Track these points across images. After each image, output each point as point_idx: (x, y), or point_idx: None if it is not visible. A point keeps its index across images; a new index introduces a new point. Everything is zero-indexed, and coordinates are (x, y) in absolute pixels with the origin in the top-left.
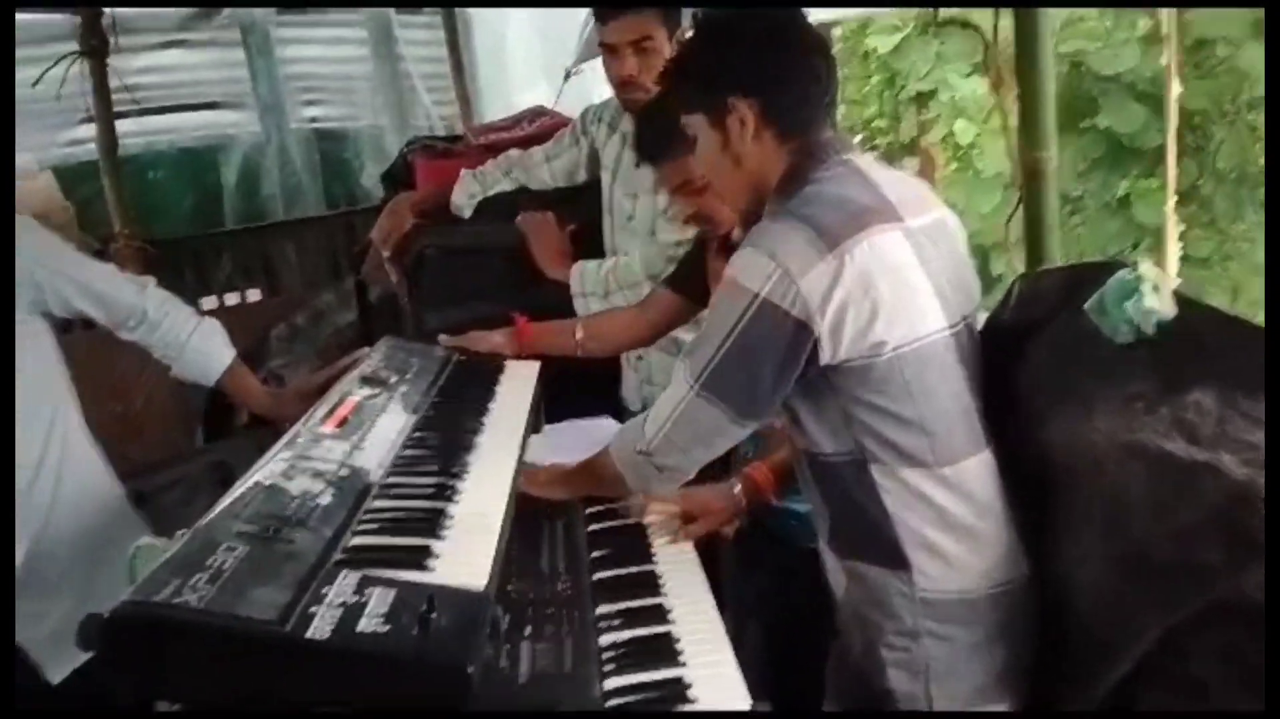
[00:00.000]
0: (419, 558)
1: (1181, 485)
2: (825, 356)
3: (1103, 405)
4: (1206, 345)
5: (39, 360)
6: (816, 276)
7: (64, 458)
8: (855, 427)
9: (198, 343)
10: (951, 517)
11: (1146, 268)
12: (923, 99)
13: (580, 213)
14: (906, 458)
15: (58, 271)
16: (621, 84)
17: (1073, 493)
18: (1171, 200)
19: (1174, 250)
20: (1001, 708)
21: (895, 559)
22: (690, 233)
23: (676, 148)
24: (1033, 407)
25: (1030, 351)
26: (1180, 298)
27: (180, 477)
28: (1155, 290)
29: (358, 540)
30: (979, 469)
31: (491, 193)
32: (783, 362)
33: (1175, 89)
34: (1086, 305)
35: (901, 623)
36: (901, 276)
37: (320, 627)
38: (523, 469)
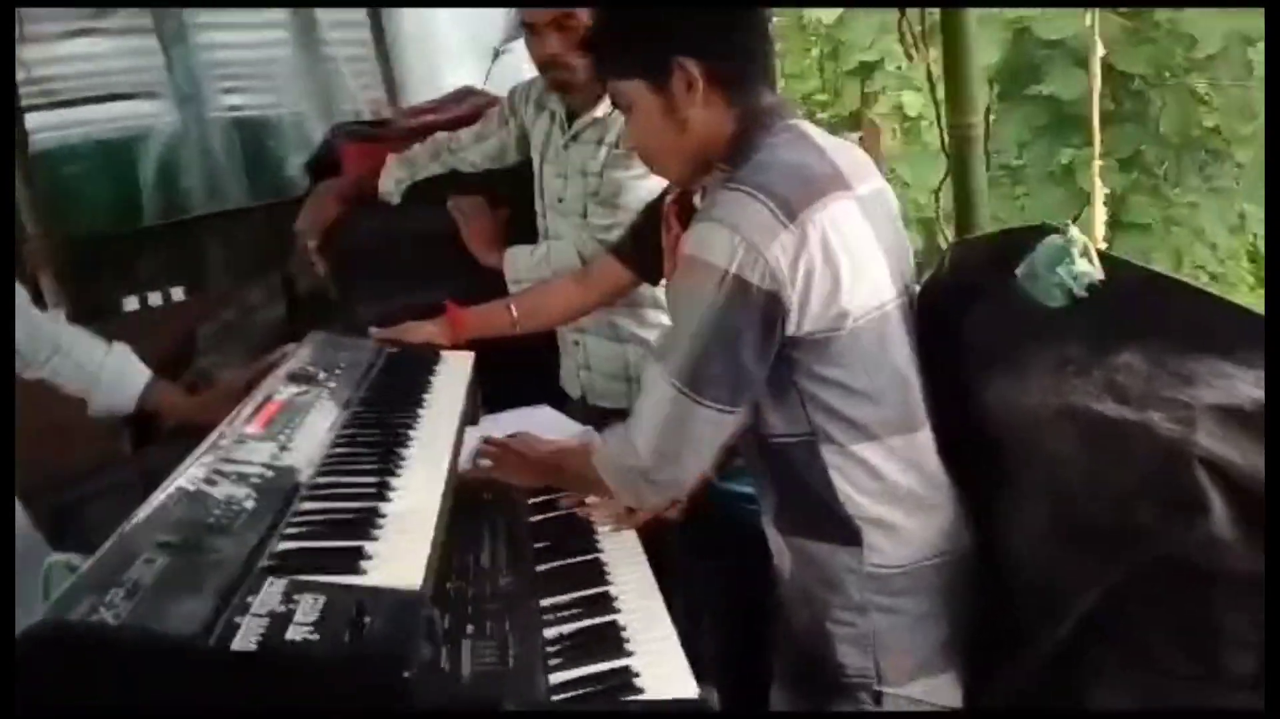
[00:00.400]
0: (350, 561)
1: (1114, 446)
2: (790, 328)
3: (1035, 370)
4: (1136, 305)
5: None
6: (780, 248)
7: None
8: (809, 404)
9: (111, 367)
10: (901, 489)
11: (1075, 232)
12: (866, 70)
13: (512, 195)
14: (859, 431)
15: None
16: (544, 64)
17: (1010, 459)
18: (1097, 164)
19: (1100, 214)
20: (945, 677)
21: (844, 535)
22: (621, 216)
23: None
24: (968, 375)
25: (963, 320)
26: (1109, 259)
27: (108, 486)
28: (1085, 253)
29: (285, 545)
30: (926, 441)
31: (420, 178)
32: (762, 338)
33: (1099, 50)
34: (1018, 271)
35: (849, 598)
36: (858, 245)
37: (246, 637)
38: (493, 443)
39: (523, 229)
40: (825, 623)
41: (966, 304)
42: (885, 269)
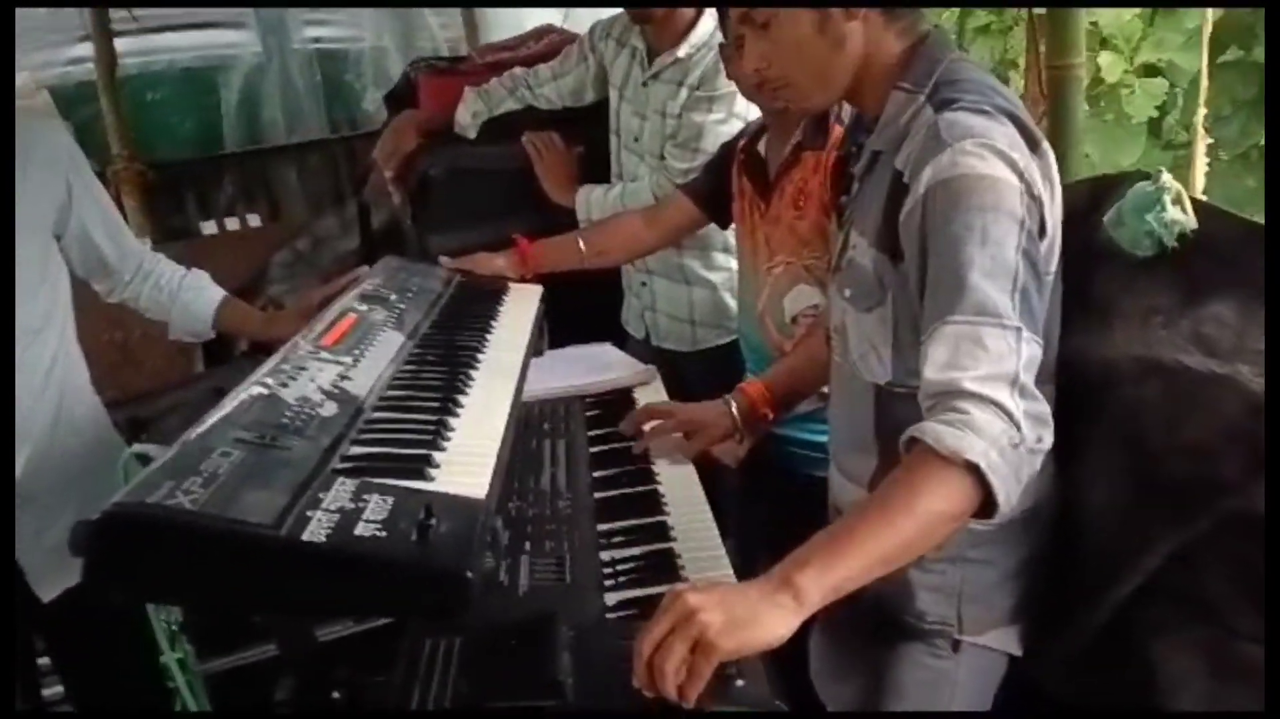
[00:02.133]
0: (418, 467)
1: (1197, 398)
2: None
3: (1121, 320)
4: (1227, 255)
5: (53, 278)
6: (1037, 171)
7: (66, 377)
8: None
9: (189, 288)
10: (1026, 443)
11: (1168, 178)
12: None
13: (588, 133)
14: None
15: (89, 190)
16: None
17: (1087, 409)
18: (1202, 113)
19: (1200, 165)
20: (1017, 628)
21: None
22: (700, 160)
23: None
24: (1046, 328)
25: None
26: (1202, 207)
27: (179, 402)
28: (1177, 200)
29: (356, 449)
30: (1052, 393)
31: (497, 112)
32: (1048, 249)
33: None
34: (1105, 218)
35: (941, 549)
36: (1057, 195)
37: (316, 530)
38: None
39: (596, 169)
40: (910, 570)
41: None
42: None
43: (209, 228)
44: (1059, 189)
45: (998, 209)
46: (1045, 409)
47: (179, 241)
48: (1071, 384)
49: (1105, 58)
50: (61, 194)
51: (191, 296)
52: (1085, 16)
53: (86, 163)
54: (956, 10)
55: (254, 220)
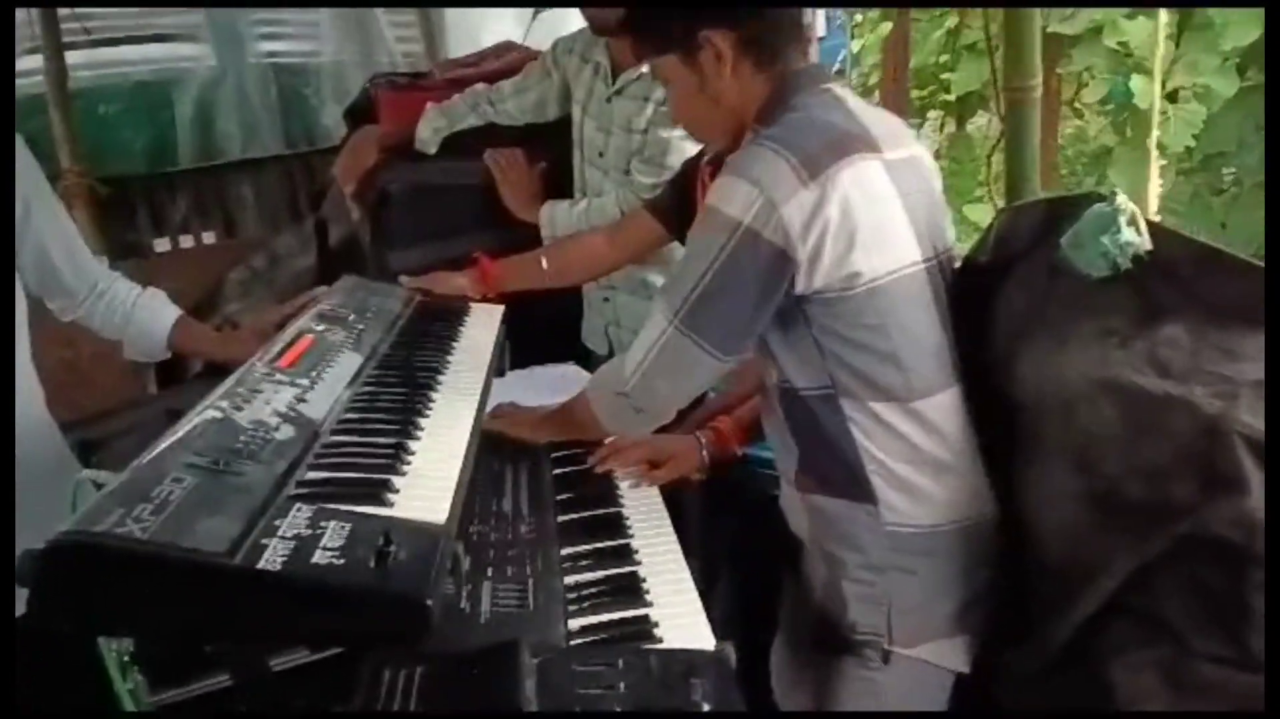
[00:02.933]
0: (377, 493)
1: (1153, 420)
2: (801, 286)
3: (1076, 341)
4: (1182, 277)
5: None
6: (798, 205)
7: (25, 399)
8: (828, 359)
9: (143, 307)
10: (921, 451)
11: (1124, 200)
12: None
13: (551, 149)
14: (878, 391)
15: (47, 206)
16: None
17: (1043, 430)
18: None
19: (1155, 188)
20: (956, 641)
21: (863, 493)
22: (666, 175)
23: None
24: (1006, 344)
25: (1005, 288)
26: (1157, 229)
27: (132, 424)
28: (1133, 222)
29: (313, 475)
30: (949, 404)
31: (459, 128)
32: (763, 292)
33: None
34: (1063, 240)
35: (867, 557)
36: (880, 207)
37: (272, 559)
38: (492, 410)
39: (559, 185)
40: (841, 581)
41: (1010, 271)
42: (910, 232)
43: (162, 245)
44: (865, 209)
45: (708, 236)
46: (659, 386)
47: (132, 259)
48: (1028, 404)
49: (1138, 82)
50: (18, 210)
51: (146, 316)
52: (1039, 36)
53: (44, 179)
54: (947, 26)
55: (209, 237)
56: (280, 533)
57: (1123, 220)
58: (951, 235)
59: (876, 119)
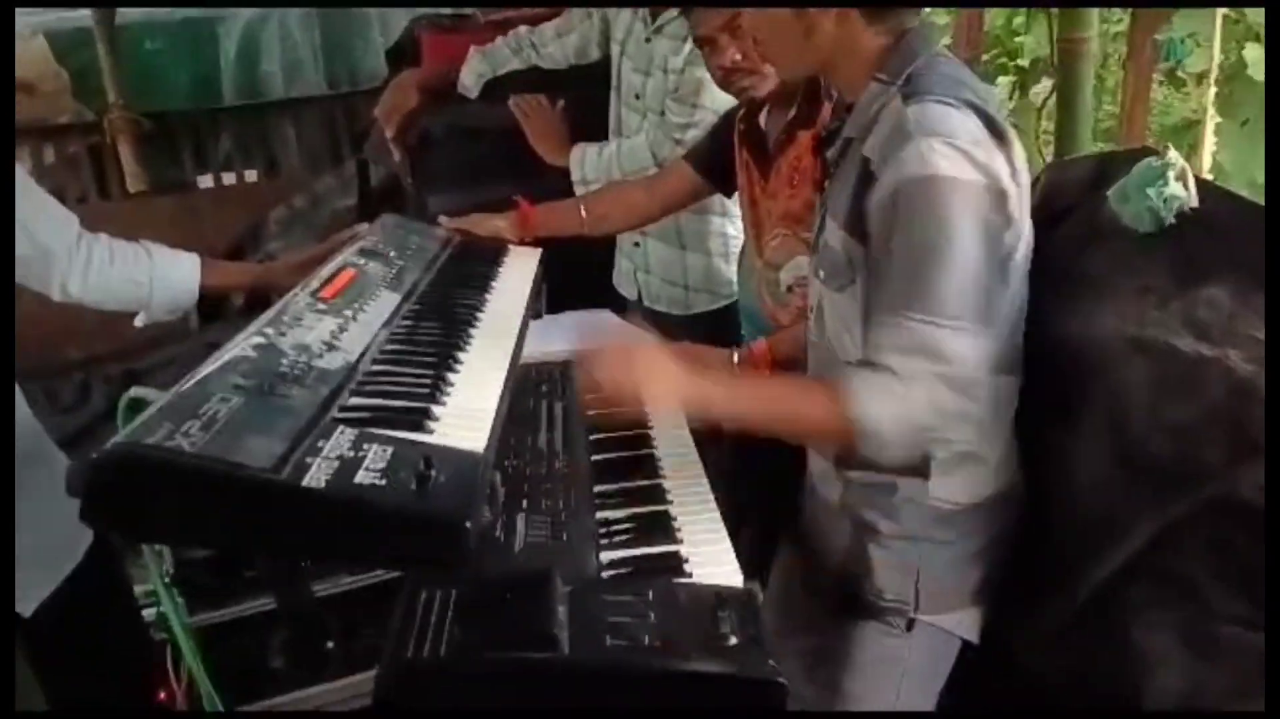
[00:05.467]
0: (418, 419)
1: (1185, 381)
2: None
3: (1115, 298)
4: (1226, 237)
5: None
6: (1000, 166)
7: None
8: None
9: (161, 265)
10: (984, 429)
11: (1174, 155)
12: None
13: (589, 92)
14: None
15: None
16: (726, 75)
17: (1077, 387)
18: (1212, 91)
19: (1209, 142)
20: (976, 611)
21: (916, 471)
22: (699, 115)
23: None
24: (1043, 302)
25: (1048, 244)
26: (1208, 187)
27: (174, 357)
28: (1181, 177)
29: (355, 400)
30: (1014, 382)
31: (501, 72)
32: (1009, 251)
33: None
34: (1110, 192)
35: (902, 527)
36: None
37: (316, 476)
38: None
39: (595, 128)
40: (869, 547)
41: (1055, 226)
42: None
43: (205, 181)
44: (1026, 175)
45: (964, 213)
46: (974, 410)
47: (175, 193)
48: (1062, 363)
49: (1252, 51)
50: None
51: (166, 266)
52: None
53: None
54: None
55: (251, 175)
56: (324, 453)
57: (1171, 174)
58: None
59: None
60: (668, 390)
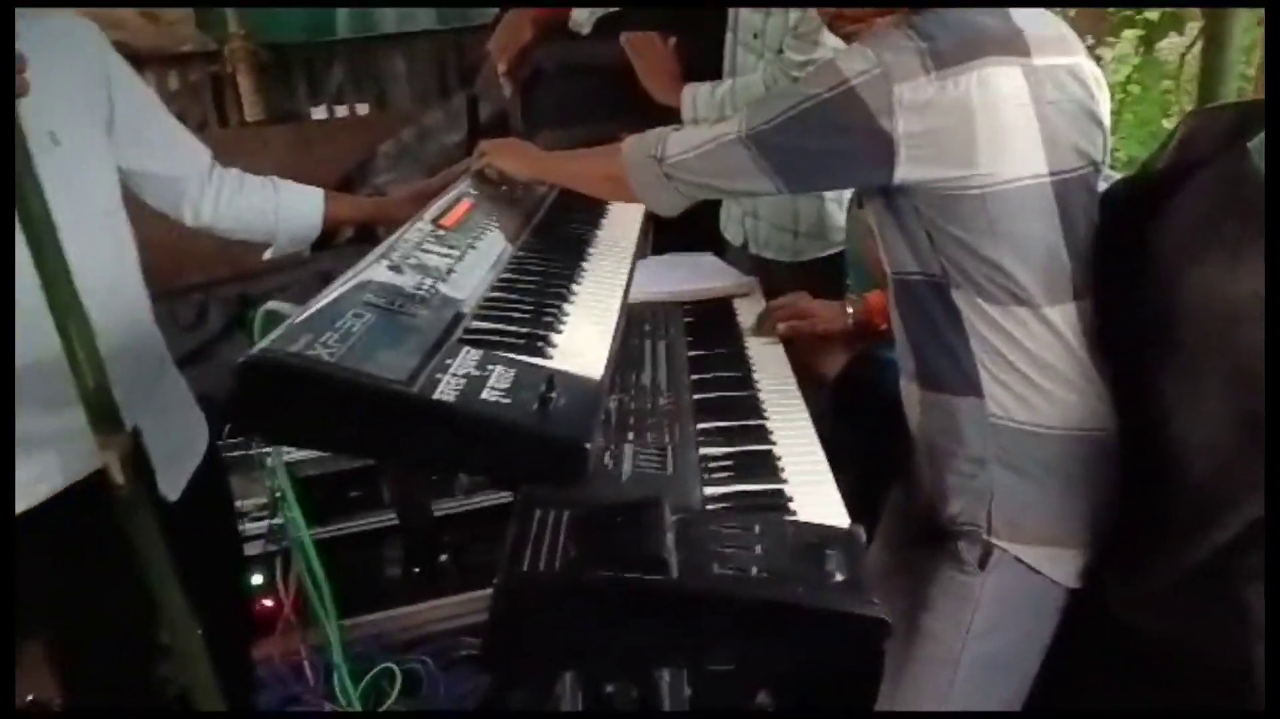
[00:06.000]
0: (538, 345)
1: None
2: (900, 175)
3: (1250, 256)
4: None
5: (109, 168)
6: (912, 89)
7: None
8: (939, 251)
9: (286, 191)
10: (1031, 355)
11: None
12: None
13: (702, 32)
14: (985, 292)
15: (132, 85)
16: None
17: (1202, 345)
18: None
19: None
20: (1065, 552)
21: (970, 386)
22: (820, 53)
23: None
24: (1172, 257)
25: (1180, 195)
26: None
27: (287, 283)
28: None
29: (478, 323)
30: (1064, 318)
31: (612, 9)
32: (843, 153)
33: None
34: (1251, 144)
35: (970, 448)
36: (1004, 114)
37: (446, 391)
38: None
39: (707, 69)
40: (945, 474)
41: (1188, 177)
42: (1039, 142)
43: (319, 113)
44: (992, 110)
45: (813, 80)
46: (699, 171)
47: (288, 124)
48: (1189, 317)
49: None
50: (98, 95)
51: (291, 213)
52: None
53: (122, 59)
54: None
55: (362, 109)
56: (452, 370)
57: None
58: (1102, 152)
59: (1041, 22)
60: (509, 156)
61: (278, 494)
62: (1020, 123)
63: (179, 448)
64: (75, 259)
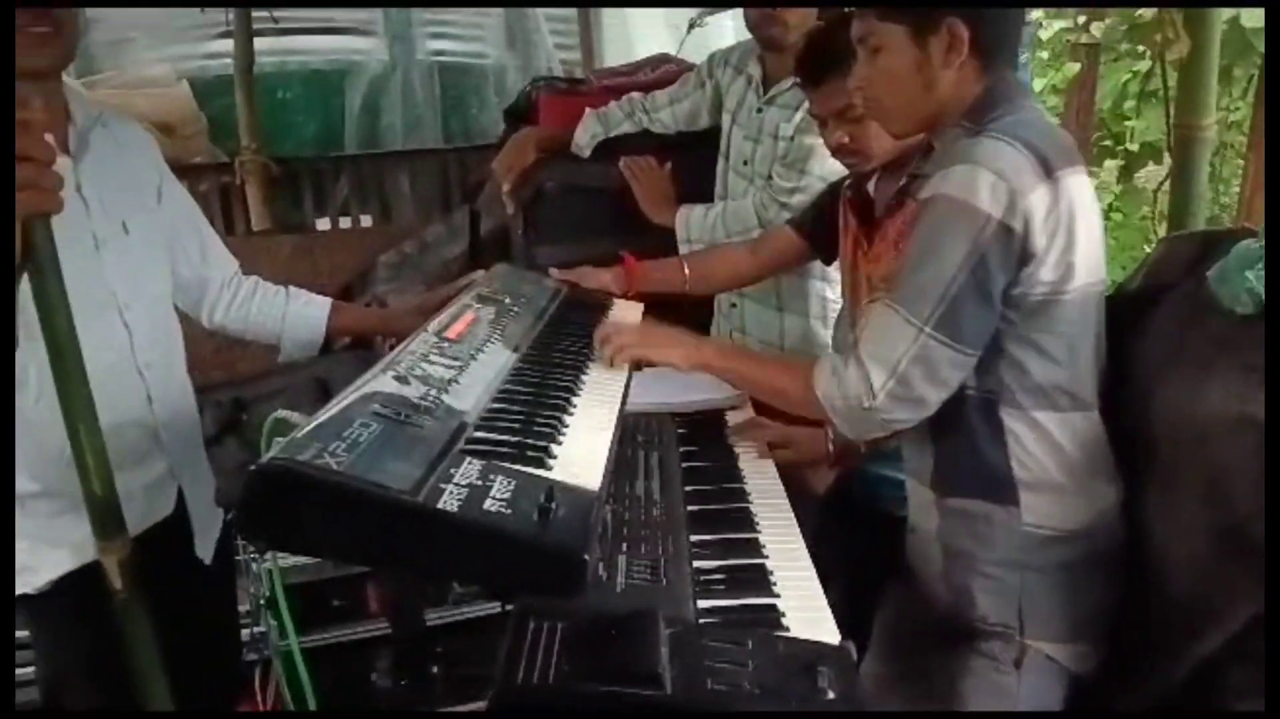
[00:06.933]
0: (539, 455)
1: None
2: (1024, 282)
3: (1218, 375)
4: None
5: (161, 270)
6: (1039, 198)
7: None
8: (1004, 361)
9: (295, 298)
10: (1070, 460)
11: None
12: None
13: (696, 156)
14: (1044, 398)
15: (177, 192)
16: (834, 152)
17: (1178, 461)
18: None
19: None
20: (1084, 649)
21: (1006, 496)
22: (806, 181)
23: (840, 70)
24: (1145, 374)
25: (1153, 317)
26: None
27: (281, 388)
28: None
29: (481, 434)
30: (1095, 422)
31: (613, 134)
32: (1009, 284)
33: None
34: (1209, 273)
35: (1000, 554)
36: (1092, 219)
37: (449, 501)
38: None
39: (701, 191)
40: (970, 577)
41: (1159, 300)
42: (1101, 250)
43: (323, 223)
44: (1081, 216)
45: (957, 233)
46: (919, 395)
47: (293, 234)
48: (1164, 434)
49: None
50: (151, 197)
51: (300, 307)
52: (1216, 74)
53: (168, 169)
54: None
55: (366, 220)
56: (455, 480)
57: None
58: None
59: (1067, 138)
60: (670, 347)
61: (261, 601)
62: (1097, 230)
63: (213, 517)
64: (141, 336)
